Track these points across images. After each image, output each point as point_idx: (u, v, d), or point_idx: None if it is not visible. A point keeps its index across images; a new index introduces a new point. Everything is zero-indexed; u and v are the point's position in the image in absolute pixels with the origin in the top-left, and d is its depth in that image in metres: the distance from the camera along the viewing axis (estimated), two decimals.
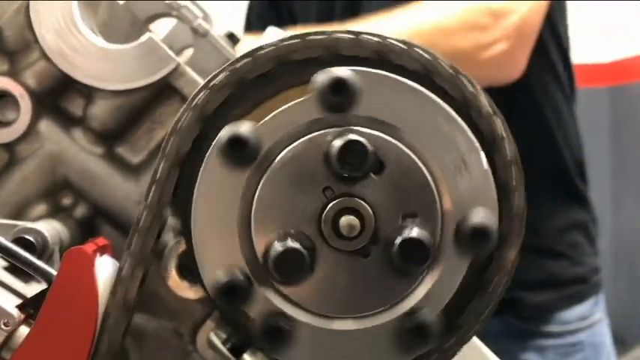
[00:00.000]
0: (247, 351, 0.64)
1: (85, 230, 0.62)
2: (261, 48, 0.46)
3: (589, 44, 3.57)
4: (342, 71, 0.44)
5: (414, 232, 0.44)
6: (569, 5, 1.46)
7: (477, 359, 0.66)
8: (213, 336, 0.62)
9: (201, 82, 0.61)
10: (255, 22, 1.52)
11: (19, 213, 0.60)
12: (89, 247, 0.51)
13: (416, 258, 0.44)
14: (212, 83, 0.47)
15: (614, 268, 3.88)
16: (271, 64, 0.46)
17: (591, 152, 1.53)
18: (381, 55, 0.46)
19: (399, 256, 0.44)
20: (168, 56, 0.59)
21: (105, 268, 0.51)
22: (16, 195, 0.60)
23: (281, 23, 1.36)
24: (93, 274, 0.49)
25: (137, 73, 0.59)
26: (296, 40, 0.46)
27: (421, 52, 0.46)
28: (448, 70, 0.46)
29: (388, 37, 0.46)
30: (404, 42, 0.46)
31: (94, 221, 0.62)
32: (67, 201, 0.62)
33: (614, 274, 3.85)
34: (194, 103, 0.47)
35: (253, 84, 0.47)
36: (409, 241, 0.44)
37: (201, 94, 0.47)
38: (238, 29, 1.69)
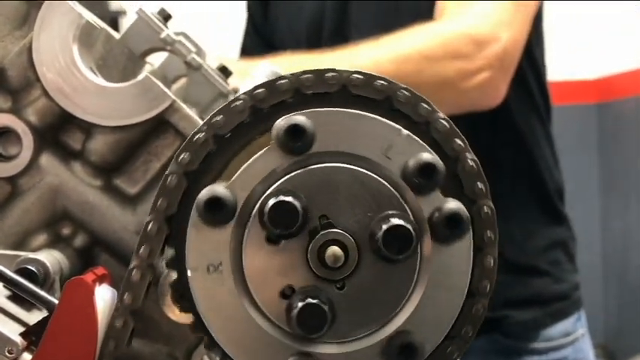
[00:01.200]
0: None
1: (84, 259, 0.64)
2: (236, 99, 0.49)
3: (577, 61, 3.62)
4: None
5: (393, 220, 0.46)
6: (557, 22, 1.50)
7: None
8: (206, 359, 0.65)
9: (195, 116, 0.65)
10: (248, 53, 1.56)
11: (20, 243, 0.63)
12: (89, 276, 0.54)
13: (402, 243, 0.46)
14: (194, 139, 0.50)
15: (603, 283, 3.91)
16: (245, 116, 0.49)
17: (580, 168, 1.57)
18: (344, 88, 0.49)
19: (386, 247, 0.46)
20: (164, 94, 0.63)
21: (104, 297, 0.54)
22: (18, 226, 0.63)
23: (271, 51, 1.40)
24: (93, 302, 0.52)
25: (134, 110, 0.62)
26: (264, 89, 0.49)
27: (381, 82, 0.49)
28: (405, 94, 0.49)
29: (349, 71, 0.50)
30: (364, 74, 0.50)
31: (93, 250, 0.65)
32: (66, 231, 0.64)
33: (603, 288, 3.88)
34: (178, 160, 0.50)
35: (227, 139, 0.50)
36: (391, 229, 0.46)
37: (184, 153, 0.50)
38: (237, 29, 1.73)
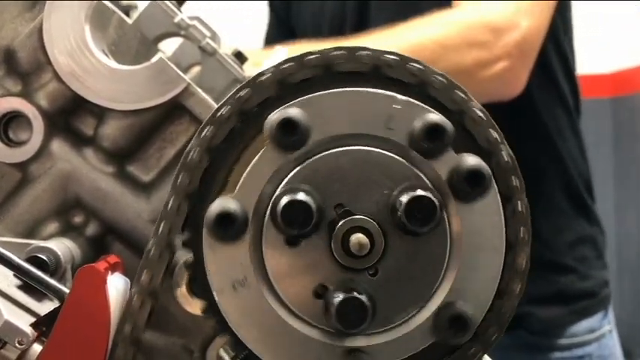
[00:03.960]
0: None
1: (96, 248, 0.62)
2: (261, 74, 0.47)
3: (591, 55, 3.58)
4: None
5: (412, 192, 0.44)
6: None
7: None
8: (222, 352, 0.63)
9: (210, 101, 0.62)
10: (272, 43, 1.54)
11: (31, 231, 0.61)
12: (101, 264, 0.52)
13: (426, 213, 0.44)
14: (218, 114, 0.48)
15: (618, 280, 3.88)
16: (271, 91, 0.47)
17: (594, 163, 1.54)
18: (376, 69, 0.47)
19: (410, 221, 0.44)
20: (179, 76, 0.60)
21: (116, 286, 0.52)
22: (28, 214, 0.61)
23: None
24: (105, 291, 0.50)
25: (148, 94, 0.60)
26: (293, 63, 0.47)
27: (415, 64, 0.47)
28: (440, 80, 0.47)
29: (383, 51, 0.47)
30: (398, 55, 0.47)
31: (105, 239, 0.63)
32: (78, 219, 0.62)
33: (618, 285, 3.84)
34: (202, 135, 0.48)
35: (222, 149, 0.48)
36: (412, 201, 0.44)
37: (208, 127, 0.48)
38: (253, 17, 1.71)
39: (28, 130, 0.61)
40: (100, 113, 0.62)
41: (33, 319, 0.51)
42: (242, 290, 0.47)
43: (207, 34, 0.79)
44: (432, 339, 0.47)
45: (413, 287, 0.46)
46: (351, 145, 0.46)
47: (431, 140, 0.45)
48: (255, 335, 0.48)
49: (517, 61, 1.23)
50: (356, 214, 0.46)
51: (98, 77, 0.60)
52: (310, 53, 0.47)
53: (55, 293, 0.52)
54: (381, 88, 0.46)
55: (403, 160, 0.46)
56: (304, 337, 0.47)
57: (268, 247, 0.46)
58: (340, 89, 0.46)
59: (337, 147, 0.46)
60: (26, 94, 0.61)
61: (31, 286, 0.54)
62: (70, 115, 0.62)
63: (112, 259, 0.54)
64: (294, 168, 0.46)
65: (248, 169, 0.46)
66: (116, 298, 0.51)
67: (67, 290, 0.52)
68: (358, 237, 0.45)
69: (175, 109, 0.62)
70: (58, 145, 0.61)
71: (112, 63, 0.61)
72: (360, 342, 0.47)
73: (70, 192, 0.62)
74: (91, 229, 0.62)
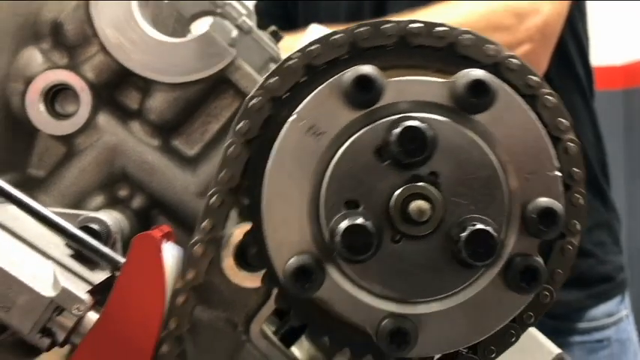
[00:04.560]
0: (296, 341, 0.65)
1: (141, 222, 0.62)
2: (334, 33, 0.47)
3: (602, 47, 3.57)
4: (365, 68, 0.45)
5: (481, 224, 0.44)
6: None
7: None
8: (265, 326, 0.63)
9: (256, 75, 0.62)
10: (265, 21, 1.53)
11: (77, 204, 0.61)
12: (156, 232, 0.52)
13: (483, 251, 0.44)
14: (285, 65, 0.47)
15: (628, 271, 3.87)
16: (343, 50, 0.47)
17: None
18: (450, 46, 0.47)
19: (466, 249, 0.44)
20: (226, 50, 0.60)
21: (172, 253, 0.52)
22: (75, 186, 0.61)
23: (290, 21, 1.38)
24: (161, 257, 0.50)
25: (194, 66, 0.60)
26: (368, 27, 0.47)
27: (492, 46, 0.47)
28: (516, 63, 0.47)
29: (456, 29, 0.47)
30: (472, 34, 0.47)
31: (150, 213, 0.63)
32: (123, 193, 0.63)
33: (628, 276, 3.84)
34: (265, 84, 0.48)
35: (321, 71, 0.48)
36: (476, 233, 0.44)
37: (272, 78, 0.48)
38: None
39: (75, 103, 0.61)
40: (145, 87, 0.62)
41: (88, 288, 0.51)
42: (311, 137, 0.46)
43: (244, 12, 0.79)
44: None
45: None
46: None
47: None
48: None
49: (539, 44, 1.24)
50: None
51: (145, 49, 0.60)
52: (387, 22, 0.47)
53: (110, 262, 0.52)
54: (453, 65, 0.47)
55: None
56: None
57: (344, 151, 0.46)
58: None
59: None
60: (73, 67, 0.61)
61: (82, 256, 0.54)
62: (115, 89, 0.62)
63: (165, 228, 0.54)
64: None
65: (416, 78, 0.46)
66: (172, 265, 0.51)
67: (121, 259, 0.52)
68: (421, 203, 0.45)
69: (220, 83, 0.62)
70: (104, 118, 0.61)
71: (160, 35, 0.61)
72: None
73: (117, 165, 0.62)
74: (137, 203, 0.63)
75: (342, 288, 0.47)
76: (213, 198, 0.50)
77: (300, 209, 0.46)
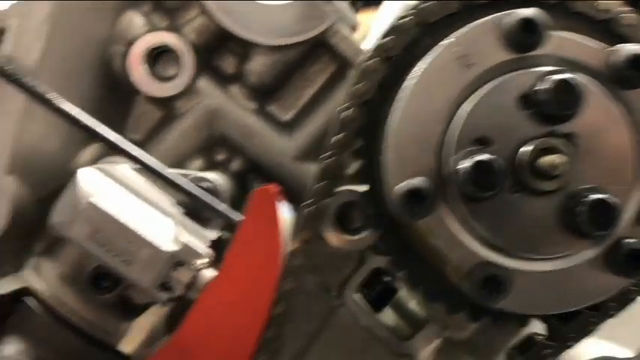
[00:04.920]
0: (383, 309, 0.65)
1: (239, 185, 0.63)
2: None
3: None
4: (529, 11, 0.45)
5: (606, 194, 0.44)
6: None
7: None
8: (356, 294, 0.63)
9: (354, 39, 0.62)
10: None
11: (177, 167, 0.61)
12: (273, 187, 0.52)
13: (603, 220, 0.45)
14: (399, 22, 0.47)
15: None
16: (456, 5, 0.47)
17: None
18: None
19: (588, 214, 0.44)
20: (326, 13, 0.60)
21: (285, 210, 0.52)
22: (175, 149, 0.62)
23: None
24: (278, 211, 0.50)
25: (294, 29, 0.60)
26: None
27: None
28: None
29: None
30: None
31: (247, 177, 0.63)
32: (221, 156, 0.63)
33: None
34: (380, 43, 0.47)
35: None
36: (601, 201, 0.44)
37: (388, 37, 0.47)
38: None
39: (175, 67, 0.61)
40: (244, 51, 0.62)
41: (205, 244, 0.52)
42: (460, 67, 0.46)
43: None
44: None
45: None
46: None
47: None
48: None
49: None
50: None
51: (245, 12, 0.60)
52: None
53: (226, 219, 0.52)
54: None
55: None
56: None
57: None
58: None
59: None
60: (173, 30, 0.61)
61: (194, 214, 0.54)
62: (213, 54, 0.62)
63: (276, 186, 0.54)
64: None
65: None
66: (286, 222, 0.51)
67: (236, 217, 0.52)
68: (553, 157, 0.45)
69: (318, 48, 0.62)
70: (204, 82, 0.62)
71: None
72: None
73: (216, 129, 0.62)
74: (235, 166, 0.63)
75: (447, 223, 0.47)
76: (329, 160, 0.50)
77: (431, 134, 0.46)
